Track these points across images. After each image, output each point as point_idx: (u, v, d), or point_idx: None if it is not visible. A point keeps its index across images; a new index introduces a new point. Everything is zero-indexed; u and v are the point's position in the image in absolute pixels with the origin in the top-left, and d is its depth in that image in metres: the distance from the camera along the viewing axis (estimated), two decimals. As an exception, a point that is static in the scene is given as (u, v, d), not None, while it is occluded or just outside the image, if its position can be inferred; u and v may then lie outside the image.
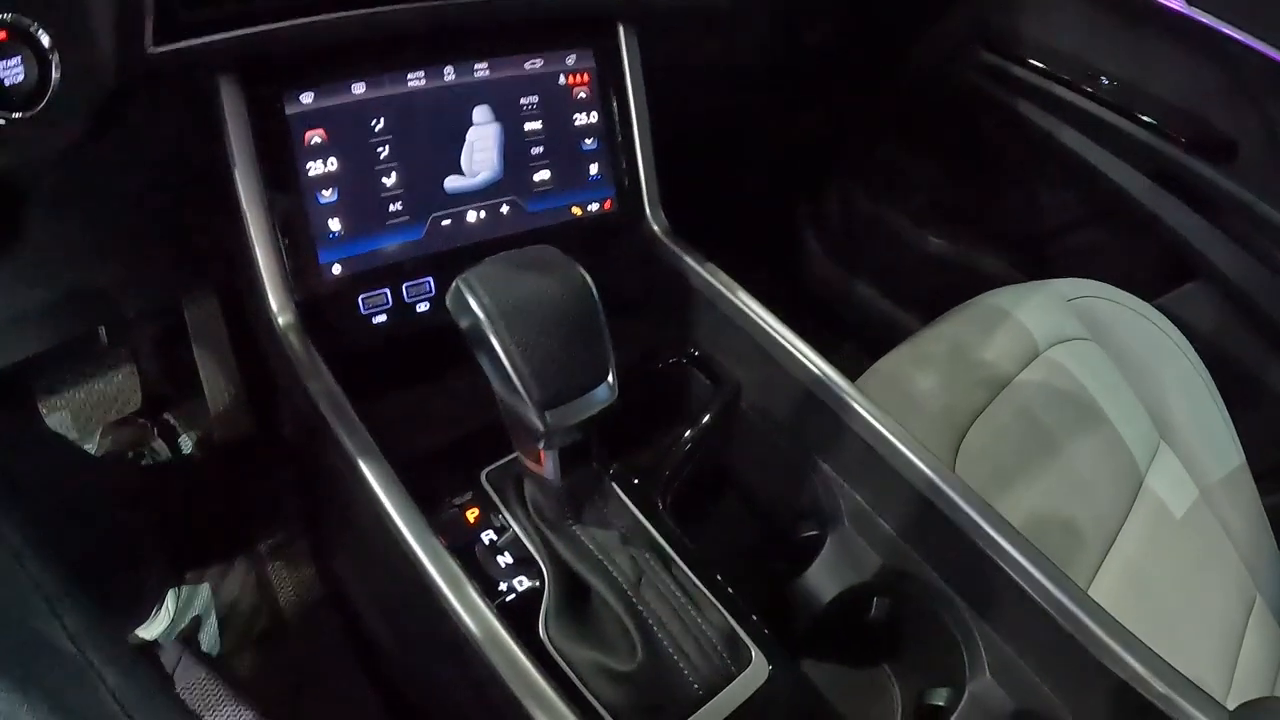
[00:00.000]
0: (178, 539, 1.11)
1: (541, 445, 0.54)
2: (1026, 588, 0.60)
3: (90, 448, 1.19)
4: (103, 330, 1.08)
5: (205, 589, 1.17)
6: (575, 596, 0.59)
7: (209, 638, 1.13)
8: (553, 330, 0.49)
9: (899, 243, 1.47)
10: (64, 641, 0.45)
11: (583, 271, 0.52)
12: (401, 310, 0.72)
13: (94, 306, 0.89)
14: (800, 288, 1.63)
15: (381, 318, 0.72)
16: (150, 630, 1.10)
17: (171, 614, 1.12)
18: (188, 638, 1.12)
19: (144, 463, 1.15)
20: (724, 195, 1.48)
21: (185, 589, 1.16)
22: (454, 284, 0.50)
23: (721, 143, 1.43)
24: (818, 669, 0.73)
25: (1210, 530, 0.94)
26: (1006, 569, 0.60)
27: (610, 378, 0.52)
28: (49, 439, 0.83)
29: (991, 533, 0.61)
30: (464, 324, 0.50)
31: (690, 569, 0.62)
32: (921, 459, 0.63)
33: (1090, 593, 0.82)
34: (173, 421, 1.27)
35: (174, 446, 1.25)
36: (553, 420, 0.50)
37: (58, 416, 1.08)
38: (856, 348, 1.53)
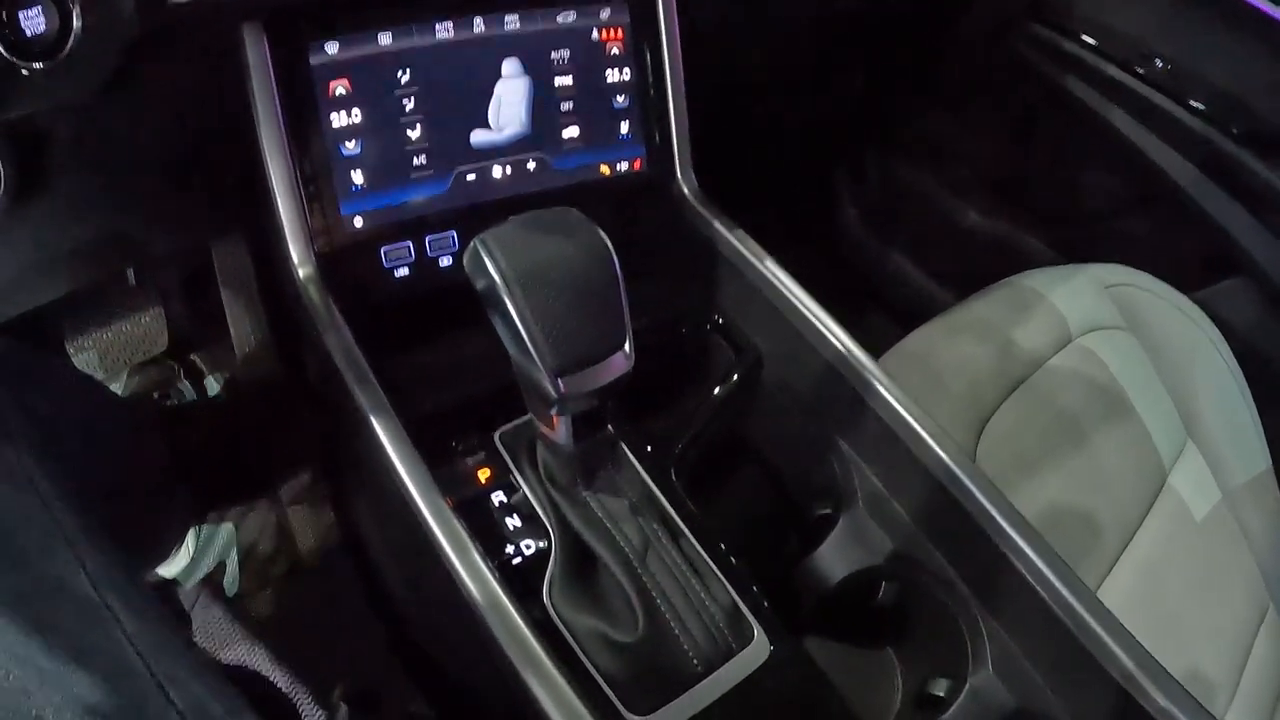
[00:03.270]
0: (200, 479, 1.12)
1: (554, 411, 0.52)
2: (1036, 586, 0.58)
3: (117, 388, 1.20)
4: (131, 272, 1.09)
5: (227, 529, 1.18)
6: (581, 564, 0.58)
7: (229, 578, 1.15)
8: (570, 295, 0.48)
9: (936, 215, 1.43)
10: (84, 584, 0.45)
11: (604, 236, 0.50)
12: (424, 264, 0.71)
13: (121, 250, 0.89)
14: (833, 254, 1.60)
15: (404, 271, 0.71)
16: (170, 569, 1.11)
17: (191, 553, 1.13)
18: (210, 579, 1.13)
19: (169, 403, 1.16)
20: (760, 156, 1.45)
21: (206, 528, 1.17)
22: (471, 245, 0.49)
23: (759, 103, 1.39)
24: (821, 647, 0.72)
25: (1229, 536, 0.91)
26: (1017, 565, 0.59)
27: (627, 346, 0.50)
28: (77, 379, 0.82)
29: (1006, 527, 0.59)
30: (480, 285, 0.49)
31: (698, 542, 0.61)
32: (941, 446, 0.62)
33: (1102, 591, 0.81)
34: (199, 363, 1.27)
35: (200, 388, 1.25)
36: (566, 387, 0.48)
37: (85, 357, 1.09)
38: (887, 318, 1.50)
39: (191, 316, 1.19)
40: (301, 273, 0.66)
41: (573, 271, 0.48)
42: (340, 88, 0.64)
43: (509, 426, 0.66)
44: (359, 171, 0.66)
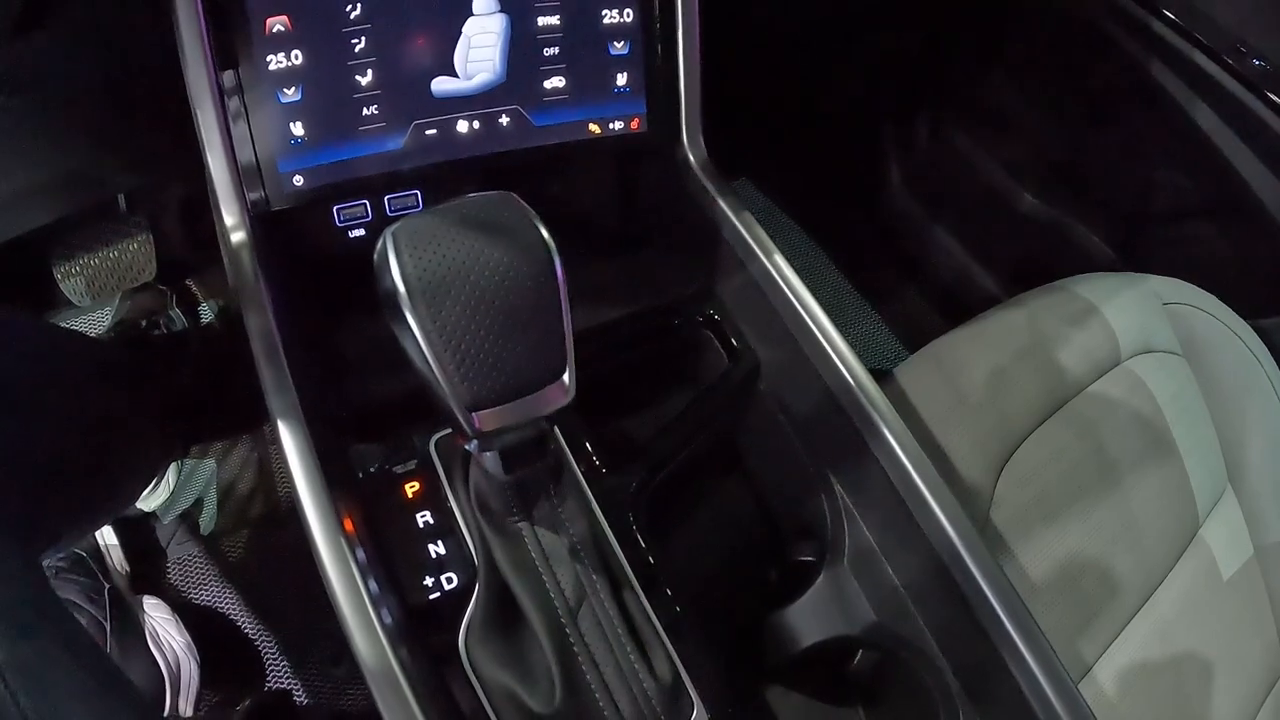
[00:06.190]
0: (183, 412, 1.04)
1: (473, 448, 0.41)
2: (1023, 686, 0.47)
3: (108, 312, 1.12)
4: (121, 198, 0.99)
5: (208, 465, 1.11)
6: (505, 610, 0.48)
7: (205, 516, 1.08)
8: (493, 313, 0.36)
9: (989, 192, 1.25)
10: None
11: (545, 236, 0.38)
12: (383, 225, 0.59)
13: (89, 186, 0.80)
14: (873, 218, 1.44)
15: (360, 232, 0.60)
16: (149, 503, 1.04)
17: (172, 487, 1.06)
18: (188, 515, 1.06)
19: (155, 333, 1.07)
20: (807, 103, 1.29)
21: (189, 463, 1.10)
22: (381, 238, 0.37)
23: (797, 53, 1.22)
24: (782, 697, 0.61)
25: (1254, 597, 0.79)
26: (1009, 662, 0.47)
27: (566, 376, 0.39)
28: (15, 332, 0.70)
29: (1001, 615, 0.47)
30: (380, 290, 0.37)
31: (645, 595, 0.50)
32: (947, 513, 0.49)
33: (1113, 649, 0.69)
34: (194, 289, 1.18)
35: (194, 314, 1.17)
36: (483, 424, 0.37)
37: (71, 284, 1.01)
38: (922, 296, 1.35)
39: (186, 242, 1.10)
40: (233, 239, 0.54)
41: (500, 281, 0.36)
42: (279, 24, 0.51)
43: (449, 431, 0.54)
44: (299, 123, 0.53)
